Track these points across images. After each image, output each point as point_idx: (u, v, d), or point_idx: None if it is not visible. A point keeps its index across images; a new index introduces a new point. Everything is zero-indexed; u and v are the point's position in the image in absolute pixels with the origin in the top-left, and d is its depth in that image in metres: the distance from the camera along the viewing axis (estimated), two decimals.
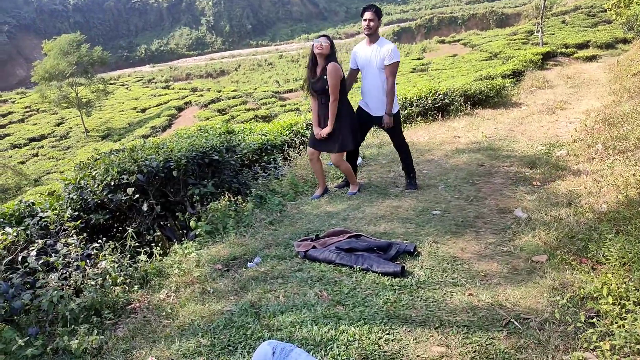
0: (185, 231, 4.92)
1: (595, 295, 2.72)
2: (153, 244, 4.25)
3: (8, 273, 3.28)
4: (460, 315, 2.85)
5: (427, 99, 10.55)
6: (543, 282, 3.10)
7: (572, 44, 27.58)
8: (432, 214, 4.55)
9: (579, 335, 2.50)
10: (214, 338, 2.78)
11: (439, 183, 5.62)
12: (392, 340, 2.65)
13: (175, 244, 4.29)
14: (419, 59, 41.23)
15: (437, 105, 10.54)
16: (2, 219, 3.95)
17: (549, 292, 2.96)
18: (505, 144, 7.41)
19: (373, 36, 5.11)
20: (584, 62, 20.08)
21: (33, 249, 3.40)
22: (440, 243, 3.87)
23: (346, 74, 5.18)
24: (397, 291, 3.17)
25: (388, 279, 3.33)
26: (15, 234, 3.55)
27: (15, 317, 3.01)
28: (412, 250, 3.68)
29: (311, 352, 2.56)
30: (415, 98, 10.58)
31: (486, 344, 2.55)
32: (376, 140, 8.69)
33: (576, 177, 5.19)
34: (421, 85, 12.43)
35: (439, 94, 10.66)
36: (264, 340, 2.71)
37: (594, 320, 2.53)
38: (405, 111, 10.35)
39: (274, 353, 1.51)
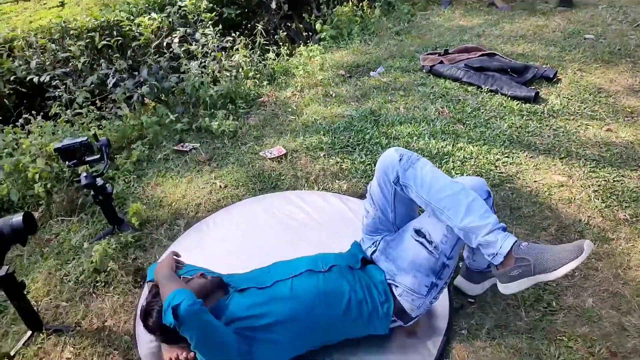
0: (309, 34, 4.89)
1: None
2: (280, 44, 4.32)
3: (156, 56, 3.62)
4: (591, 149, 2.68)
5: None
6: None
7: None
8: (583, 38, 3.98)
9: None
10: (335, 137, 2.95)
11: (600, 2, 4.77)
12: (510, 164, 2.62)
13: (301, 46, 4.33)
14: None
15: None
16: (147, 5, 4.21)
17: None
18: None
19: None
20: None
21: (176, 36, 3.65)
22: (586, 72, 3.46)
23: None
24: (524, 117, 3.01)
25: (517, 104, 3.14)
26: (159, 19, 3.79)
27: (165, 98, 3.41)
28: (551, 76, 3.35)
29: None
30: None
31: (613, 180, 2.42)
32: None
33: None
34: None
35: None
36: (380, 146, 2.84)
37: None
38: None
39: (400, 160, 1.56)
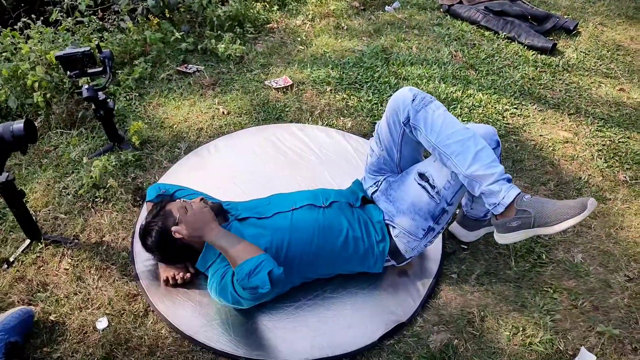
0: None
1: None
2: None
3: None
4: (601, 107, 2.64)
5: None
6: None
7: None
8: None
9: None
10: (343, 73, 2.87)
11: None
12: (518, 115, 2.58)
13: None
14: None
15: None
16: None
17: None
18: None
19: None
20: None
21: None
22: (607, 26, 3.34)
23: None
24: (539, 68, 2.94)
25: (533, 54, 3.05)
26: None
27: (170, 14, 3.26)
28: (571, 28, 3.23)
29: None
30: None
31: (618, 141, 2.41)
32: None
33: None
34: None
35: None
36: (389, 85, 2.77)
37: None
38: None
39: (413, 100, 1.52)
